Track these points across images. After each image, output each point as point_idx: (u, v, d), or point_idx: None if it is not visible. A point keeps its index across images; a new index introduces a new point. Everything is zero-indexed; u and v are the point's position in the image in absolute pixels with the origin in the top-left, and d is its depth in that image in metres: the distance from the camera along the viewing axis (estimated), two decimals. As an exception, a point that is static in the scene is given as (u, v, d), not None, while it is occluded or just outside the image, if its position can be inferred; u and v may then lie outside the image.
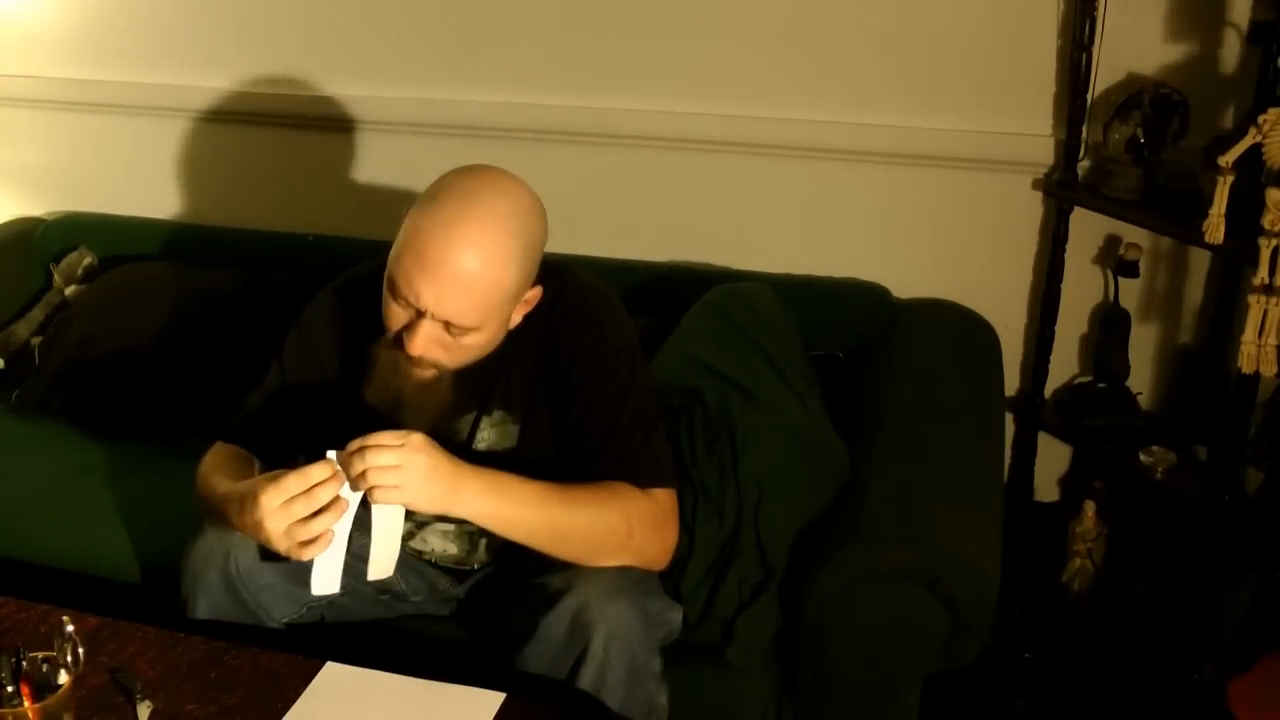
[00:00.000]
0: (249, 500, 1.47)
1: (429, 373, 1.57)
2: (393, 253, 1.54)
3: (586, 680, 1.49)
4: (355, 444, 1.46)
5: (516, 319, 1.62)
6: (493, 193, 1.53)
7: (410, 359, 1.55)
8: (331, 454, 1.48)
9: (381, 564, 1.57)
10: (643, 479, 1.61)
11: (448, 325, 1.52)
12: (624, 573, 1.57)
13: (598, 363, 1.64)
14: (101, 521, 2.07)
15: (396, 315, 1.55)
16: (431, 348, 1.54)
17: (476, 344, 1.57)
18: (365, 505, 1.51)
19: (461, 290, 1.49)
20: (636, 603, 1.53)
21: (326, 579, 1.53)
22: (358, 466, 1.45)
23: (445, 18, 2.51)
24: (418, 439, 1.48)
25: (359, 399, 1.62)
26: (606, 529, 1.56)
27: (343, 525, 1.49)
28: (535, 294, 1.61)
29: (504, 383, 1.68)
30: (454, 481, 1.50)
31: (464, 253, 1.48)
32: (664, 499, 1.63)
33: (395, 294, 1.53)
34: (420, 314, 1.52)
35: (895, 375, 2.10)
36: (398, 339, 1.56)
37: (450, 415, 1.66)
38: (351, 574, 1.56)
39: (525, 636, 1.54)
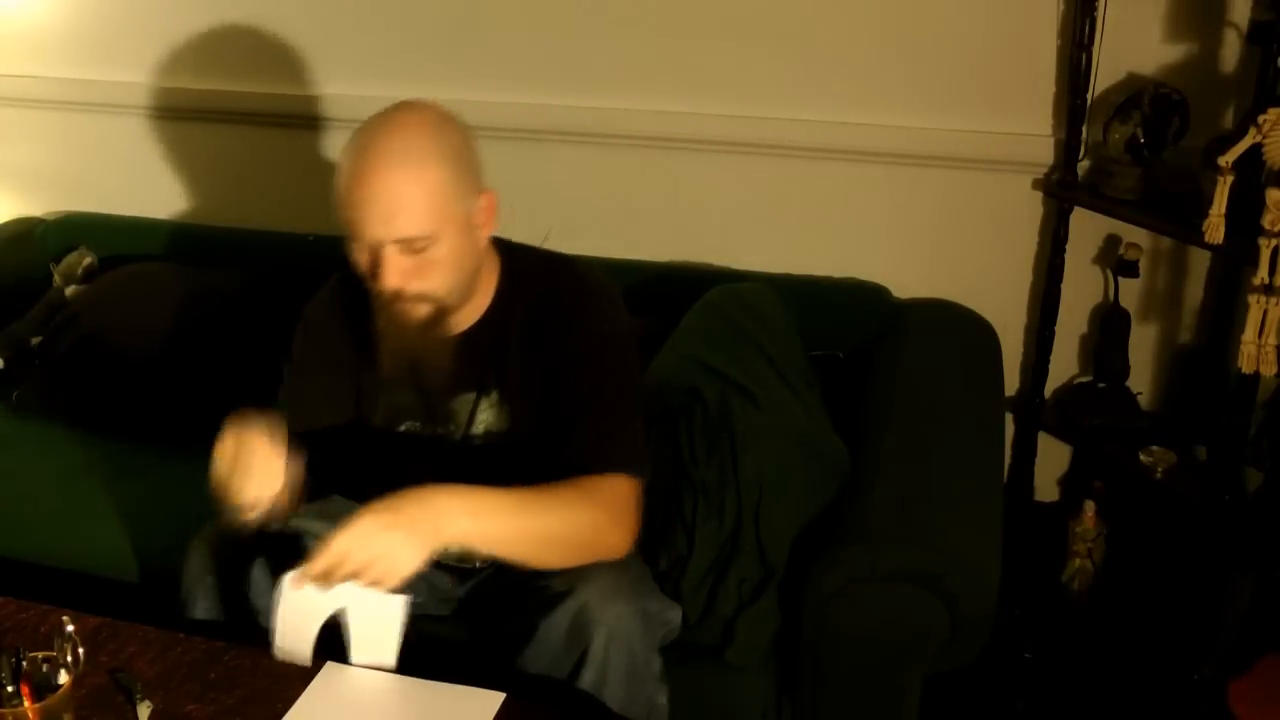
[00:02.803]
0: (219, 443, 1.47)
1: (423, 309, 1.59)
2: (336, 207, 1.57)
3: (587, 682, 1.49)
4: (319, 565, 1.41)
5: (485, 235, 1.64)
6: (398, 113, 1.59)
7: (397, 298, 1.56)
8: (287, 578, 1.44)
9: (369, 648, 1.48)
10: (609, 464, 1.58)
11: (408, 246, 1.54)
12: (623, 574, 1.56)
13: (586, 344, 1.65)
14: (101, 521, 2.07)
15: (365, 262, 1.58)
16: (404, 278, 1.55)
17: (445, 257, 1.57)
18: None
19: (399, 202, 1.52)
20: (636, 603, 1.53)
21: (290, 642, 1.48)
22: (343, 573, 1.41)
23: (446, 17, 2.51)
24: (360, 522, 1.41)
25: (376, 373, 1.66)
26: (574, 529, 1.55)
27: (316, 608, 1.45)
28: (489, 200, 1.63)
29: (500, 364, 1.69)
30: (426, 517, 1.45)
31: (387, 167, 1.52)
32: (625, 489, 1.59)
33: (354, 240, 1.56)
34: (379, 247, 1.54)
35: (895, 375, 2.10)
36: (377, 287, 1.57)
37: (449, 394, 1.69)
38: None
39: (525, 639, 1.54)
